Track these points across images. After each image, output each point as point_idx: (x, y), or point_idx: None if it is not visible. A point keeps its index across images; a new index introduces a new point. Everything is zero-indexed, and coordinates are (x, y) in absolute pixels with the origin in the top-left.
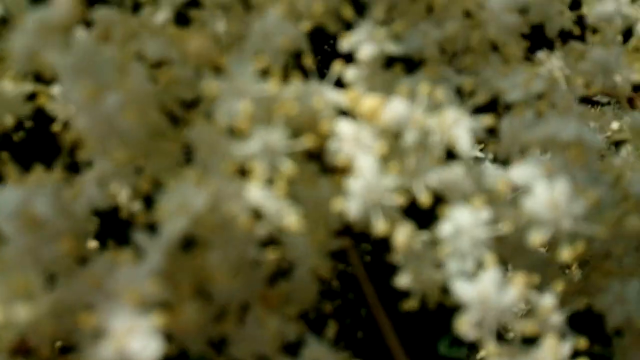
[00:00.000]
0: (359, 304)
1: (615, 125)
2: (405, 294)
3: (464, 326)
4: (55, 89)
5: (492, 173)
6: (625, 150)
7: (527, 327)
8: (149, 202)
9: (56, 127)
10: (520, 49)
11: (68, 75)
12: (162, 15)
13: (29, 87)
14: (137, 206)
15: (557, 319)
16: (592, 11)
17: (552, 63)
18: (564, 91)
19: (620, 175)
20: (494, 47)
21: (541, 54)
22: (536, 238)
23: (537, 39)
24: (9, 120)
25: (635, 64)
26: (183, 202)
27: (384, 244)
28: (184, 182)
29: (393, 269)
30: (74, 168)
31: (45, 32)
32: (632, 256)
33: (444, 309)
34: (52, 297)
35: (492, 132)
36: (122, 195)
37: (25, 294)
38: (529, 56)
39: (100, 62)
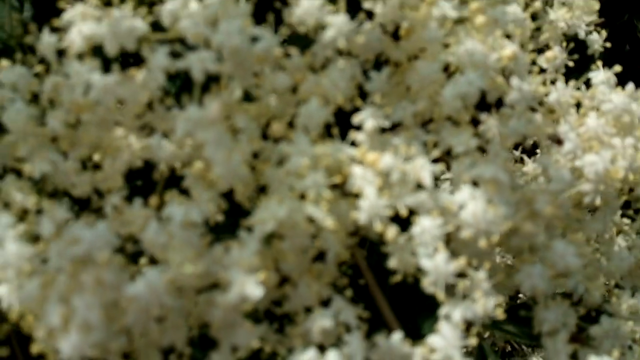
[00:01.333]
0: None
1: (529, 167)
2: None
3: (426, 284)
4: None
5: (444, 197)
6: (536, 182)
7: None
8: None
9: None
10: (468, 115)
11: None
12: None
13: None
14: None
15: (486, 285)
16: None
17: (490, 122)
18: (495, 143)
19: (529, 198)
20: (449, 118)
21: (483, 116)
22: (466, 234)
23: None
24: None
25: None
26: (272, 214)
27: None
28: (269, 202)
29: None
30: None
31: None
32: (537, 249)
33: (429, 297)
34: (200, 265)
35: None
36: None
37: (190, 261)
38: (475, 115)
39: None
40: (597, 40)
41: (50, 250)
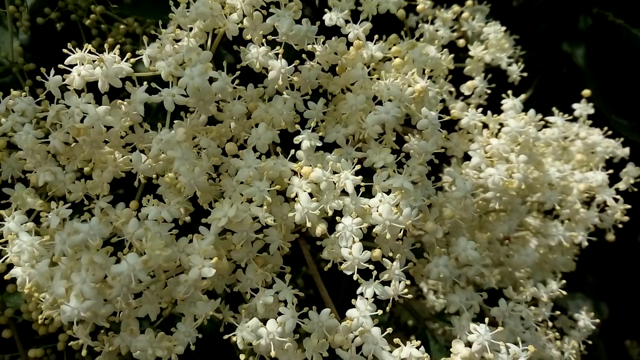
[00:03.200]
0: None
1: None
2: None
3: (344, 267)
4: None
5: (363, 201)
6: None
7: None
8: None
9: None
10: (392, 136)
11: None
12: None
13: None
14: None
15: (398, 271)
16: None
17: (411, 141)
18: (413, 158)
19: (441, 203)
20: (376, 139)
21: (406, 137)
22: (377, 230)
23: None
24: None
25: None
26: (223, 213)
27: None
28: (223, 204)
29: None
30: None
31: None
32: (449, 244)
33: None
34: (169, 251)
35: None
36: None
37: (160, 248)
38: (405, 131)
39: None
40: (515, 71)
41: (55, 238)
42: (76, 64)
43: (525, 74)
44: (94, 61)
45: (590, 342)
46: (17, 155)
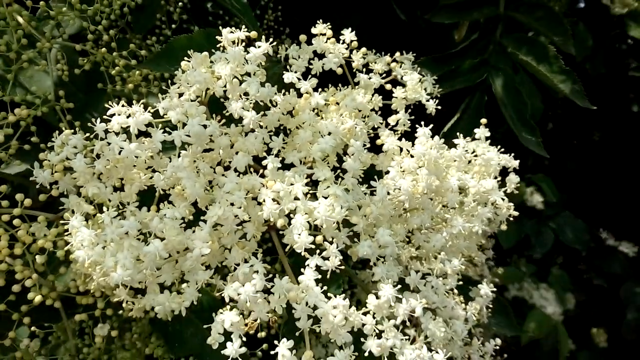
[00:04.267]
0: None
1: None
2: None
3: (296, 247)
4: None
5: (309, 204)
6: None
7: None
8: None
9: None
10: (334, 158)
11: None
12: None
13: None
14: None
15: (335, 250)
16: None
17: (347, 162)
18: (348, 174)
19: (366, 204)
20: (323, 160)
21: (345, 158)
22: (318, 222)
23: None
24: None
25: None
26: (215, 213)
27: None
28: (214, 207)
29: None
30: None
31: None
32: (372, 233)
33: None
34: (180, 237)
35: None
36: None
37: (174, 236)
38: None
39: None
40: (432, 105)
41: (106, 230)
42: (114, 114)
43: (439, 107)
44: (127, 113)
45: (491, 307)
46: (71, 176)
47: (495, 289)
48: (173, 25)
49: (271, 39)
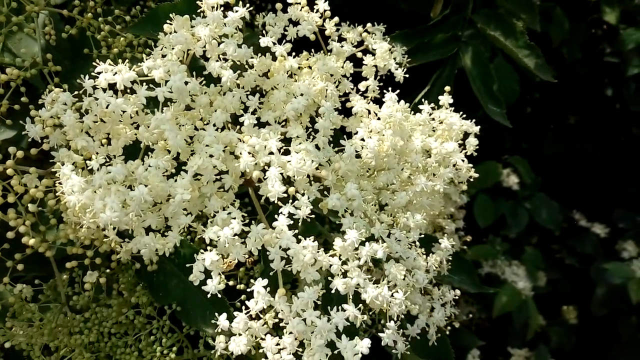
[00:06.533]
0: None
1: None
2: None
3: (270, 196)
4: None
5: (283, 158)
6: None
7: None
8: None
9: None
10: (307, 117)
11: None
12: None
13: None
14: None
15: (306, 200)
16: None
17: (319, 122)
18: (320, 132)
19: (335, 160)
20: (296, 120)
21: (317, 119)
22: (289, 174)
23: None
24: None
25: None
26: (195, 163)
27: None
28: (195, 158)
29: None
30: None
31: None
32: (341, 188)
33: None
34: (163, 185)
35: None
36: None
37: (158, 183)
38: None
39: None
40: (400, 73)
41: (94, 177)
42: (101, 72)
43: (408, 76)
44: (114, 70)
45: (450, 259)
46: (61, 130)
47: (454, 244)
48: None
49: (248, 5)
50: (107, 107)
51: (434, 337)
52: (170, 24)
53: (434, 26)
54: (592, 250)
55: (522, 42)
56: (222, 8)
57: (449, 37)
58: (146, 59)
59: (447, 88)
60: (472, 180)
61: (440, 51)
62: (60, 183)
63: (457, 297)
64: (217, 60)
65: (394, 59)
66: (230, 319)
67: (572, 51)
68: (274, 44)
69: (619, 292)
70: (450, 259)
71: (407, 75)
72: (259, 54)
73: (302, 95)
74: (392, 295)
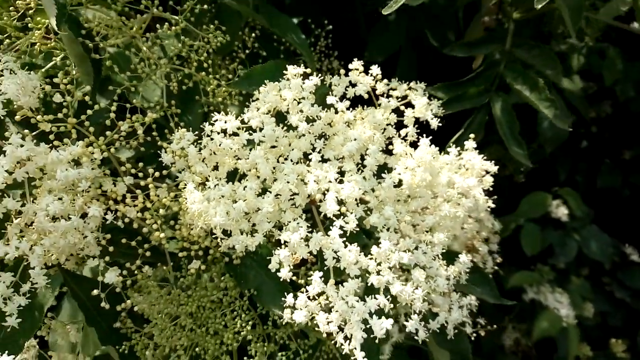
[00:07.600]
0: None
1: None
2: None
3: (328, 213)
4: None
5: (338, 186)
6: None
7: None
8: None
9: None
10: (358, 156)
11: None
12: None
13: None
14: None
15: (353, 217)
16: None
17: (367, 159)
18: (366, 168)
19: (377, 189)
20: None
21: (365, 156)
22: (342, 198)
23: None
24: None
25: None
26: (277, 187)
27: None
28: (276, 184)
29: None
30: None
31: None
32: (380, 209)
33: None
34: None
35: None
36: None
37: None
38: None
39: None
40: (435, 122)
41: (209, 193)
42: (217, 120)
43: (442, 124)
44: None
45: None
46: (184, 159)
47: (474, 261)
48: (247, 51)
49: (320, 75)
50: (219, 145)
51: (452, 332)
52: (265, 86)
53: (470, 80)
54: None
55: (543, 96)
56: (301, 76)
57: (483, 89)
58: (246, 110)
59: (472, 135)
60: (488, 208)
61: (474, 101)
62: (185, 197)
63: (477, 305)
64: (295, 114)
65: (431, 110)
66: (295, 298)
67: (625, 89)
68: (337, 101)
69: None
70: (469, 271)
71: (443, 122)
72: (326, 109)
73: (355, 140)
74: (413, 291)
